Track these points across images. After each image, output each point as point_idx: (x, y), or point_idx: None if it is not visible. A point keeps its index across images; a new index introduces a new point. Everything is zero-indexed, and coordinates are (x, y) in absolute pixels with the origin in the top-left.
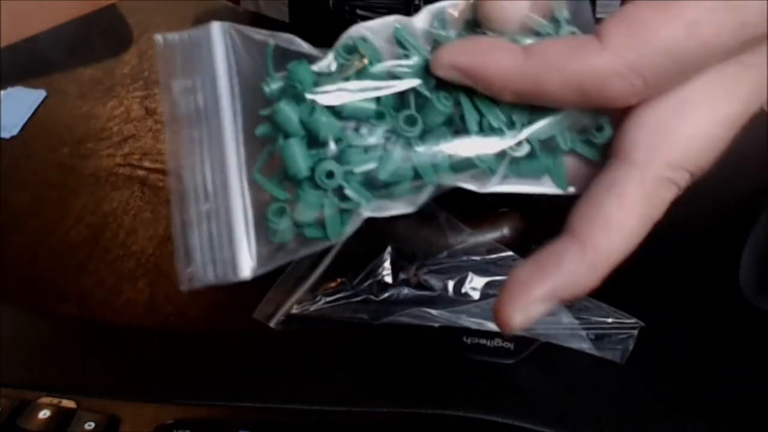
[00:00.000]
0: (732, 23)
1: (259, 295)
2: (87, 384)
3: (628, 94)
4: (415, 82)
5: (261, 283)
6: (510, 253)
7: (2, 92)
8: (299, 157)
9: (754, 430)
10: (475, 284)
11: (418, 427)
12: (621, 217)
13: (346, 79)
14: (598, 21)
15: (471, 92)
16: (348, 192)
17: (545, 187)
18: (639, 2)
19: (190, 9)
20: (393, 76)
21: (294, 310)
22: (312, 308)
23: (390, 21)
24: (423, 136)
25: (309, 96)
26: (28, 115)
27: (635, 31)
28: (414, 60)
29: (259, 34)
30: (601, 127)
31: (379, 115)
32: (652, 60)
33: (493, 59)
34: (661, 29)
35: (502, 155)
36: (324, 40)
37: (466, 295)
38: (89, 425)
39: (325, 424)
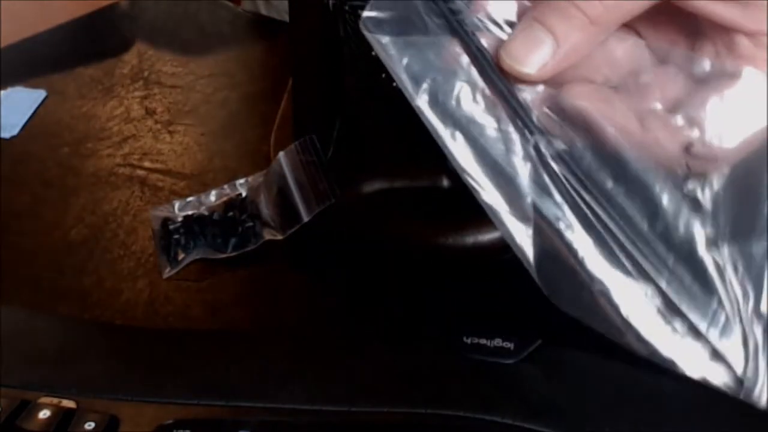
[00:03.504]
0: None
1: (258, 295)
2: (87, 384)
3: None
4: None
5: (260, 282)
6: None
7: (2, 92)
8: None
9: (752, 429)
10: None
11: (418, 427)
12: None
13: None
14: None
15: None
16: None
17: None
18: None
19: (191, 9)
20: None
21: None
22: None
23: None
24: None
25: None
26: (28, 115)
27: None
28: None
29: None
30: None
31: None
32: None
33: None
34: None
35: None
36: (324, 40)
37: None
38: (89, 425)
39: (325, 424)
